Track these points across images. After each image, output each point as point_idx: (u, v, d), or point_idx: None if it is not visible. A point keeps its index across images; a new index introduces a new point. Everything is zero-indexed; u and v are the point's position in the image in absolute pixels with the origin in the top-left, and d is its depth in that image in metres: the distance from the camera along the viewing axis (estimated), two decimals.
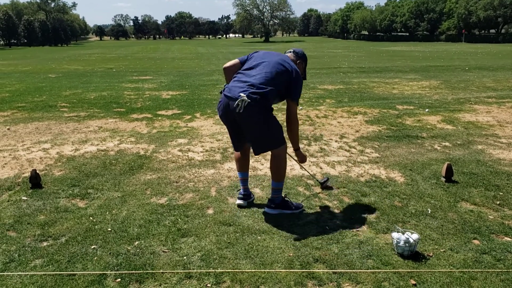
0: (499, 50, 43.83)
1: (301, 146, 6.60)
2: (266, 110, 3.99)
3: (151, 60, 31.98)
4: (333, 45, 68.59)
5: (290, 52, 4.43)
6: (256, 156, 6.10)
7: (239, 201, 4.44)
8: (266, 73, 4.01)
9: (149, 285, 3.06)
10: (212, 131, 7.75)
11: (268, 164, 5.72)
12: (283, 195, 4.34)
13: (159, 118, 9.13)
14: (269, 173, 5.37)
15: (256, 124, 3.99)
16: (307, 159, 5.93)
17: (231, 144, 6.68)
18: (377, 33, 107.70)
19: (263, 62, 4.12)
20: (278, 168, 4.23)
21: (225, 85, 4.17)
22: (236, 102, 3.84)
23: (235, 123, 4.10)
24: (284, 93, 4.10)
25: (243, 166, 4.53)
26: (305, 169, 5.33)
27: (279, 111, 8.17)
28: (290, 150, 4.49)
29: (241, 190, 4.51)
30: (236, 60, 4.37)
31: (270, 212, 4.26)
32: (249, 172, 5.39)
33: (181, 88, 14.23)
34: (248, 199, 4.48)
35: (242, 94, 3.86)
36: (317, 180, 5.03)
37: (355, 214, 4.20)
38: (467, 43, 72.80)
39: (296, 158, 4.58)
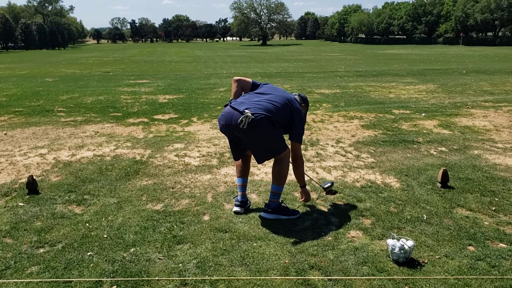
0: (496, 53, 43.99)
1: None
2: (268, 125, 4.01)
3: (148, 63, 31.99)
4: (330, 48, 68.69)
5: (296, 95, 4.53)
6: (253, 161, 6.11)
7: (236, 208, 4.44)
8: (276, 102, 4.12)
9: None
10: (209, 136, 7.76)
11: (265, 169, 5.74)
12: (280, 201, 4.34)
13: (156, 122, 9.14)
14: (265, 178, 5.41)
15: (258, 138, 4.05)
16: (304, 163, 5.95)
17: (227, 149, 6.71)
18: (374, 36, 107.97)
19: (273, 94, 4.24)
20: (279, 171, 4.26)
21: (231, 99, 4.24)
22: (241, 118, 3.90)
23: (235, 135, 4.13)
24: (286, 130, 4.25)
25: (243, 172, 4.54)
26: (309, 176, 5.34)
27: None
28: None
29: (238, 197, 4.50)
30: (249, 80, 4.47)
31: (266, 216, 4.28)
32: None
33: (178, 92, 14.24)
34: (245, 206, 4.48)
35: (246, 111, 3.93)
36: (320, 186, 5.04)
37: (350, 220, 4.21)
38: (464, 45, 73.02)
39: (300, 196, 4.67)
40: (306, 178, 5.38)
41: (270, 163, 6.04)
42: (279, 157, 4.23)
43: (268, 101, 4.11)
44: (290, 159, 4.34)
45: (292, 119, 4.17)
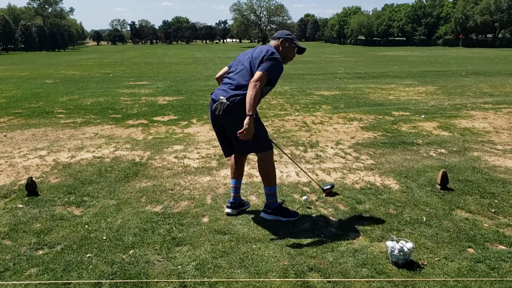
0: (496, 55, 44.02)
1: (297, 152, 6.63)
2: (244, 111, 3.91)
3: (147, 65, 32.01)
4: (330, 50, 68.73)
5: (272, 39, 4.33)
6: (253, 163, 6.11)
7: (227, 210, 4.44)
8: (242, 70, 4.06)
9: None
10: (208, 137, 7.75)
11: None
12: (280, 201, 4.34)
13: (155, 124, 9.14)
14: None
15: (237, 124, 3.89)
16: (304, 165, 5.95)
17: None
18: (374, 38, 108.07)
19: (240, 61, 4.17)
20: (265, 172, 4.24)
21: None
22: (215, 105, 3.98)
23: (222, 127, 4.14)
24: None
25: (236, 173, 4.51)
26: (309, 176, 5.34)
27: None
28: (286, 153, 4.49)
29: (231, 198, 4.49)
30: (225, 68, 4.42)
31: (265, 217, 4.28)
32: (245, 179, 5.42)
33: (177, 93, 14.24)
34: (238, 208, 4.46)
35: (221, 97, 3.96)
36: (320, 187, 5.03)
37: (350, 222, 4.21)
38: (464, 47, 73.06)
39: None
40: (307, 179, 5.39)
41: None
42: (261, 156, 4.20)
43: (237, 74, 4.08)
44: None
45: (262, 60, 3.95)
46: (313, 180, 5.27)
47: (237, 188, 4.51)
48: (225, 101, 3.92)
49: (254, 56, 4.07)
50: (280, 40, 4.20)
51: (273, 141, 4.71)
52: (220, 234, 3.97)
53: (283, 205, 4.33)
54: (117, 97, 13.52)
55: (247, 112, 3.75)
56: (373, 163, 6.14)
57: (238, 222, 4.23)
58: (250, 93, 3.78)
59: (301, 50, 4.34)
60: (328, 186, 4.97)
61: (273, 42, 4.25)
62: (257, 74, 3.86)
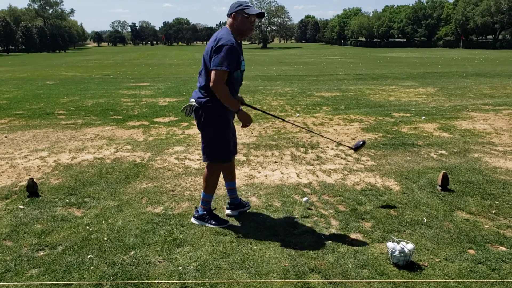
0: (497, 56, 44.03)
1: (297, 153, 6.64)
2: (215, 115, 3.95)
3: (148, 66, 32.03)
4: (330, 51, 68.77)
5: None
6: (253, 164, 6.12)
7: (227, 211, 4.47)
8: (202, 70, 4.00)
9: None
10: None
11: (265, 172, 5.76)
12: (212, 208, 4.32)
13: (156, 125, 9.14)
14: (266, 181, 5.42)
15: (204, 128, 4.04)
16: (304, 166, 5.96)
17: None
18: (374, 39, 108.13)
19: (203, 58, 4.01)
20: (205, 179, 4.22)
21: None
22: (184, 106, 4.06)
23: None
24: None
25: (226, 175, 4.48)
26: (329, 138, 5.26)
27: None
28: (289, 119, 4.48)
29: (229, 200, 4.53)
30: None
31: (193, 221, 4.26)
32: (245, 180, 5.43)
33: (178, 94, 14.25)
34: (238, 208, 4.47)
35: (192, 100, 4.01)
36: (350, 147, 4.91)
37: (350, 223, 4.21)
38: (464, 49, 73.07)
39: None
40: (307, 180, 5.40)
41: (267, 167, 6.06)
42: (208, 165, 4.18)
43: (200, 75, 4.02)
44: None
45: (211, 54, 3.83)
46: (338, 142, 5.26)
47: (231, 189, 4.51)
48: (193, 103, 3.97)
49: (206, 52, 3.92)
50: (232, 15, 3.91)
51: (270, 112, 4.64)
52: (221, 235, 3.98)
53: (213, 211, 4.30)
54: (118, 98, 13.53)
55: (234, 111, 3.93)
56: (374, 164, 6.14)
57: (239, 223, 4.24)
58: (219, 96, 3.83)
59: (260, 15, 3.96)
60: (359, 143, 4.76)
61: (228, 21, 3.99)
62: (212, 74, 3.76)
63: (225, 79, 3.79)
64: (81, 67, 31.73)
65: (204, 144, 4.10)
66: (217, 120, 3.98)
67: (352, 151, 5.68)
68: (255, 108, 4.85)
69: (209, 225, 4.16)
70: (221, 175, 4.40)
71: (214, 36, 3.90)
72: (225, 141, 4.09)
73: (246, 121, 3.98)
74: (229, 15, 3.95)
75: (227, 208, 4.47)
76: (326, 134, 8.14)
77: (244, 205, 4.55)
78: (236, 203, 4.49)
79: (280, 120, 5.01)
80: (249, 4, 3.96)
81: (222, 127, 4.04)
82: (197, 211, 4.26)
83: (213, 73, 3.75)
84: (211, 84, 3.78)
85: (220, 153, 4.10)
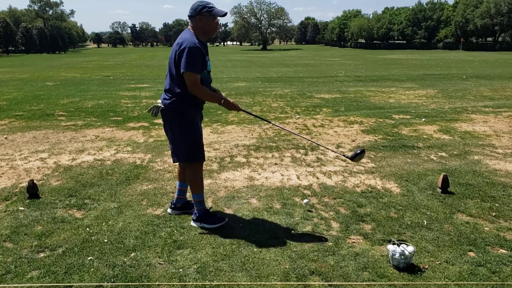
0: (496, 58, 44.04)
1: (298, 155, 6.64)
2: (180, 116, 4.00)
3: (148, 67, 32.03)
4: (330, 53, 68.78)
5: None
6: (253, 166, 6.12)
7: (168, 210, 4.53)
8: (168, 71, 4.09)
9: None
10: (209, 140, 7.76)
11: (265, 174, 5.76)
12: (208, 208, 4.32)
13: (156, 127, 9.14)
14: (266, 183, 5.42)
15: (171, 130, 4.13)
16: (304, 168, 5.96)
17: (227, 154, 6.72)
18: (374, 41, 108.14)
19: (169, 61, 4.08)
20: (190, 181, 4.24)
21: None
22: (150, 108, 4.15)
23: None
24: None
25: (179, 175, 4.50)
26: (329, 149, 5.33)
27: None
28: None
29: (174, 199, 4.54)
30: None
31: (192, 224, 4.25)
32: (246, 182, 5.44)
33: None
34: (180, 210, 4.49)
35: (158, 101, 4.08)
36: (347, 157, 4.65)
37: (351, 225, 4.21)
38: (464, 51, 73.11)
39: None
40: (307, 182, 5.39)
41: (268, 169, 6.05)
42: (188, 166, 4.20)
43: (166, 78, 4.13)
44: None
45: (175, 57, 3.88)
46: (335, 151, 5.27)
47: (180, 190, 4.51)
48: (159, 104, 4.05)
49: (170, 56, 3.98)
50: (197, 17, 3.91)
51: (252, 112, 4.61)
52: (221, 237, 3.98)
53: (210, 211, 4.32)
54: (118, 99, 13.53)
55: (218, 103, 4.09)
56: (374, 167, 6.15)
57: (239, 225, 4.24)
58: (200, 97, 3.98)
59: (224, 15, 3.99)
60: (357, 152, 4.45)
61: (190, 23, 3.99)
62: (185, 77, 3.84)
63: (199, 79, 3.87)
64: (81, 68, 31.73)
65: (173, 146, 4.18)
66: (182, 121, 4.04)
67: (351, 153, 5.63)
68: (246, 112, 4.80)
69: (208, 226, 4.16)
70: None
71: (178, 40, 3.96)
72: (195, 140, 4.11)
73: (232, 108, 4.20)
74: (192, 17, 3.95)
75: (169, 207, 4.53)
76: (325, 136, 8.14)
77: (189, 207, 4.50)
78: (176, 204, 4.51)
79: (272, 124, 5.02)
80: (212, 5, 3.96)
81: (188, 127, 4.08)
82: (195, 214, 4.26)
83: (185, 76, 3.83)
84: (188, 88, 3.87)
85: (193, 153, 4.13)
